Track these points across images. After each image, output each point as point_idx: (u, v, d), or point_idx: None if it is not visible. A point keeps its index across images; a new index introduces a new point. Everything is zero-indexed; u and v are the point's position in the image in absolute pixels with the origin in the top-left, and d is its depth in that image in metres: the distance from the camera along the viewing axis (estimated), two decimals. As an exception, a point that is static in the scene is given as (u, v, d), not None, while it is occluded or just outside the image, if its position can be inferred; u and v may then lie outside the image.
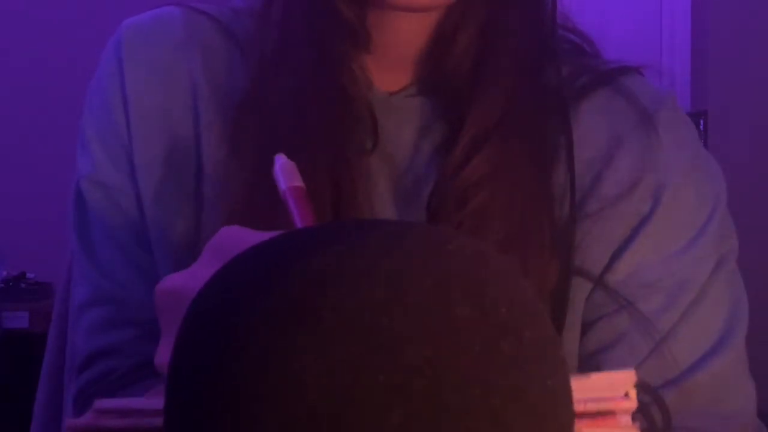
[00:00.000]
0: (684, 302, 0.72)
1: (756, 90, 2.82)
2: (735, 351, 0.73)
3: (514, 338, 0.36)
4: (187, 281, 0.49)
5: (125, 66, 0.76)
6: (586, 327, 0.73)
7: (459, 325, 0.35)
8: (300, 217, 0.52)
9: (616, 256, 0.73)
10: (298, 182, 0.55)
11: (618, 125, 0.75)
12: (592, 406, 0.42)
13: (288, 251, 0.38)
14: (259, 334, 0.35)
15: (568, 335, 0.72)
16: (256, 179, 0.69)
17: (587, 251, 0.72)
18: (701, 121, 2.74)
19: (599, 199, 0.73)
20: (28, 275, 3.16)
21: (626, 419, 0.43)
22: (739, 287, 0.75)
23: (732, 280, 0.74)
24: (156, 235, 0.74)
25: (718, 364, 0.71)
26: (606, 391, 0.42)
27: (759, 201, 2.66)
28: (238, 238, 0.49)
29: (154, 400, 0.42)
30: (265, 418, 0.34)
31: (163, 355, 0.50)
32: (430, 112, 0.75)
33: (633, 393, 0.43)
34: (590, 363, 0.72)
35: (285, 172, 0.55)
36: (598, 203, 0.73)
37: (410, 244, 0.37)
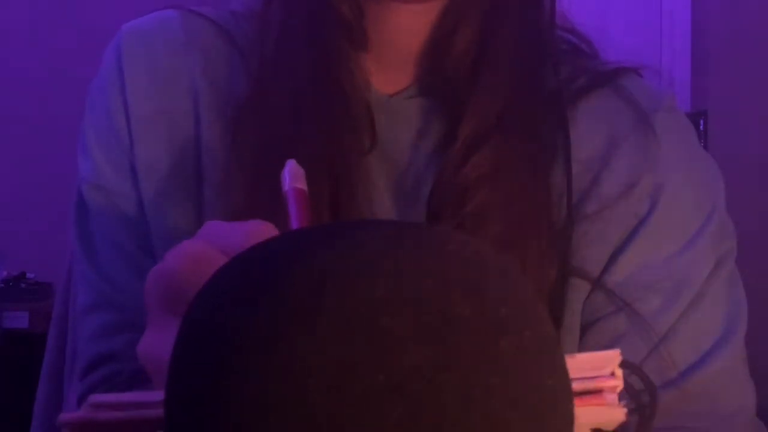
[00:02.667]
0: (682, 303, 0.72)
1: (756, 90, 2.82)
2: (734, 351, 0.73)
3: (514, 338, 0.36)
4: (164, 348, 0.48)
5: (125, 70, 0.76)
6: (585, 328, 0.73)
7: (459, 325, 0.35)
8: (297, 218, 0.52)
9: (614, 257, 0.73)
10: (302, 186, 0.55)
11: (616, 126, 0.75)
12: (579, 385, 0.42)
13: (288, 251, 0.38)
14: (258, 335, 0.35)
15: (567, 337, 0.72)
16: (257, 180, 0.69)
17: (586, 252, 0.72)
18: (701, 121, 2.74)
19: (597, 200, 0.73)
20: (28, 275, 3.16)
21: (612, 397, 0.43)
22: (738, 288, 0.75)
23: (731, 280, 0.74)
24: (158, 238, 0.74)
25: (717, 364, 0.71)
26: (592, 371, 0.43)
27: (759, 201, 2.66)
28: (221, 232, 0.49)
29: (147, 393, 0.43)
30: (265, 419, 0.34)
31: (144, 343, 0.50)
32: (429, 112, 0.75)
33: (618, 372, 0.43)
34: None
35: (292, 174, 0.55)
36: (596, 204, 0.73)
37: (410, 244, 0.37)
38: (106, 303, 0.75)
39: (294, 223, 0.52)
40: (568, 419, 0.38)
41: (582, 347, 0.73)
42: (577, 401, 0.42)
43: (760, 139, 2.79)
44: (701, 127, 2.73)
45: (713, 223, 0.74)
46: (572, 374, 0.40)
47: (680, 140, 0.76)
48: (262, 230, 0.46)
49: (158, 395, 0.39)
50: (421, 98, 0.75)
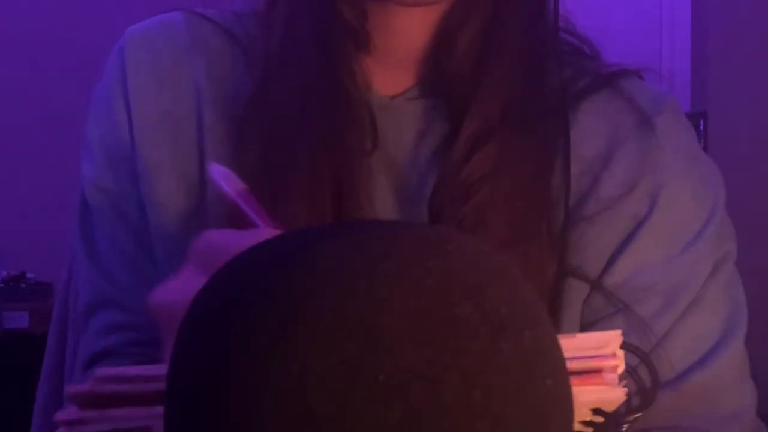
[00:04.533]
0: (681, 305, 0.72)
1: (756, 90, 2.81)
2: (733, 353, 0.73)
3: (514, 338, 0.36)
4: (177, 294, 0.49)
5: (129, 72, 0.76)
6: (583, 329, 0.73)
7: (459, 325, 0.35)
8: (260, 218, 0.53)
9: (613, 258, 0.73)
10: (242, 185, 0.55)
11: (616, 127, 0.75)
12: (578, 364, 0.42)
13: (288, 252, 0.38)
14: (258, 335, 0.35)
15: (566, 337, 0.72)
16: (259, 182, 0.69)
17: (585, 253, 0.72)
18: (701, 122, 2.74)
19: (597, 200, 0.73)
20: (28, 275, 3.15)
21: (612, 377, 0.43)
22: (738, 290, 0.75)
23: (730, 282, 0.74)
24: (159, 240, 0.74)
25: (716, 366, 0.71)
26: (592, 350, 0.43)
27: (759, 201, 2.66)
28: (222, 242, 0.50)
29: (153, 367, 0.43)
30: (266, 419, 0.34)
31: (157, 291, 0.51)
32: (430, 114, 0.75)
33: (620, 352, 0.43)
34: None
35: (227, 178, 0.56)
36: (596, 205, 0.73)
37: (410, 244, 0.37)
38: (107, 303, 0.75)
39: (261, 224, 0.53)
40: (568, 419, 0.38)
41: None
42: (576, 380, 0.42)
43: (760, 139, 2.79)
44: (701, 127, 2.73)
45: (713, 225, 0.74)
46: (572, 353, 0.40)
47: (681, 143, 0.76)
48: None
49: (163, 369, 0.40)
50: (422, 99, 0.75)
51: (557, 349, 0.38)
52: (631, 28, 2.91)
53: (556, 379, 0.37)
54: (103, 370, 0.43)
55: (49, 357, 0.86)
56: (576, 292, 0.72)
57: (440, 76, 0.75)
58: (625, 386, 0.44)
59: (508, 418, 0.35)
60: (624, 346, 0.44)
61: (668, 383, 0.70)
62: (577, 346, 0.42)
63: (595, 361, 0.43)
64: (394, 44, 0.74)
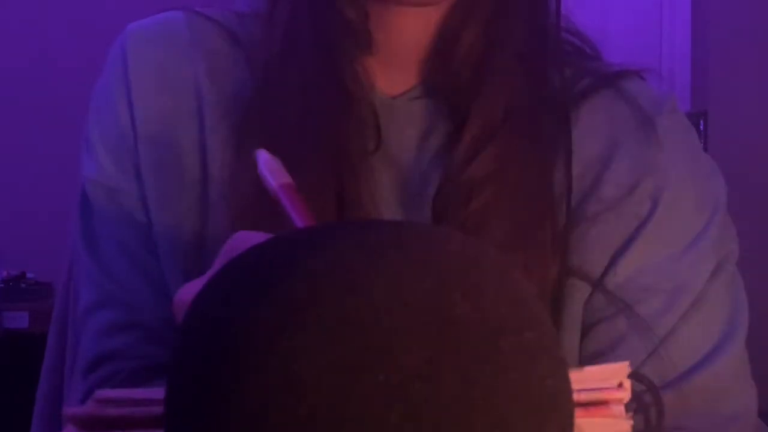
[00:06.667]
0: (683, 305, 0.72)
1: (756, 90, 2.81)
2: (735, 353, 0.73)
3: (513, 338, 0.36)
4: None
5: (130, 70, 0.76)
6: (585, 330, 0.73)
7: (459, 325, 0.35)
8: (298, 215, 0.52)
9: (615, 258, 0.73)
10: (287, 178, 0.54)
11: (618, 127, 0.75)
12: (585, 396, 0.42)
13: (288, 251, 0.38)
14: (258, 335, 0.35)
15: (568, 337, 0.72)
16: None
17: (586, 253, 0.72)
18: (701, 122, 2.74)
19: (598, 201, 0.73)
20: (28, 275, 3.15)
21: (619, 409, 0.43)
22: (740, 290, 0.75)
23: (732, 282, 0.74)
24: (161, 238, 0.74)
25: (718, 366, 0.71)
26: (599, 382, 0.43)
27: (759, 201, 2.66)
28: (250, 243, 0.49)
29: (155, 390, 0.43)
30: (266, 419, 0.34)
31: (179, 291, 0.50)
32: (433, 113, 0.75)
33: (627, 383, 0.44)
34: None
35: (271, 169, 0.55)
36: (597, 205, 0.73)
37: (410, 244, 0.37)
38: (109, 301, 0.75)
39: (297, 221, 0.52)
40: (568, 419, 0.38)
41: (583, 349, 0.73)
42: (583, 412, 0.42)
43: (760, 139, 2.79)
44: (701, 127, 2.73)
45: (714, 225, 0.74)
46: (579, 385, 0.40)
47: (682, 143, 0.76)
48: None
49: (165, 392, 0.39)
50: (425, 99, 0.75)
51: (557, 349, 0.38)
52: (631, 28, 2.91)
53: (556, 379, 0.37)
54: (104, 392, 0.43)
55: (49, 357, 0.86)
56: (578, 292, 0.72)
57: (442, 76, 0.75)
58: (631, 416, 0.44)
59: (508, 418, 0.35)
60: (632, 375, 0.44)
61: (670, 383, 0.70)
62: (584, 378, 0.42)
63: (602, 393, 0.43)
64: (396, 44, 0.75)
